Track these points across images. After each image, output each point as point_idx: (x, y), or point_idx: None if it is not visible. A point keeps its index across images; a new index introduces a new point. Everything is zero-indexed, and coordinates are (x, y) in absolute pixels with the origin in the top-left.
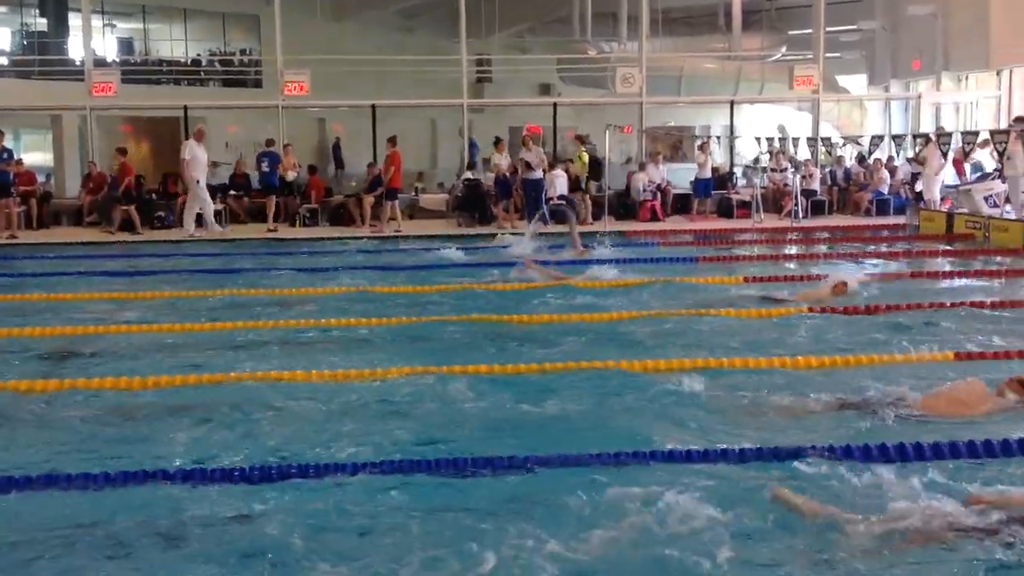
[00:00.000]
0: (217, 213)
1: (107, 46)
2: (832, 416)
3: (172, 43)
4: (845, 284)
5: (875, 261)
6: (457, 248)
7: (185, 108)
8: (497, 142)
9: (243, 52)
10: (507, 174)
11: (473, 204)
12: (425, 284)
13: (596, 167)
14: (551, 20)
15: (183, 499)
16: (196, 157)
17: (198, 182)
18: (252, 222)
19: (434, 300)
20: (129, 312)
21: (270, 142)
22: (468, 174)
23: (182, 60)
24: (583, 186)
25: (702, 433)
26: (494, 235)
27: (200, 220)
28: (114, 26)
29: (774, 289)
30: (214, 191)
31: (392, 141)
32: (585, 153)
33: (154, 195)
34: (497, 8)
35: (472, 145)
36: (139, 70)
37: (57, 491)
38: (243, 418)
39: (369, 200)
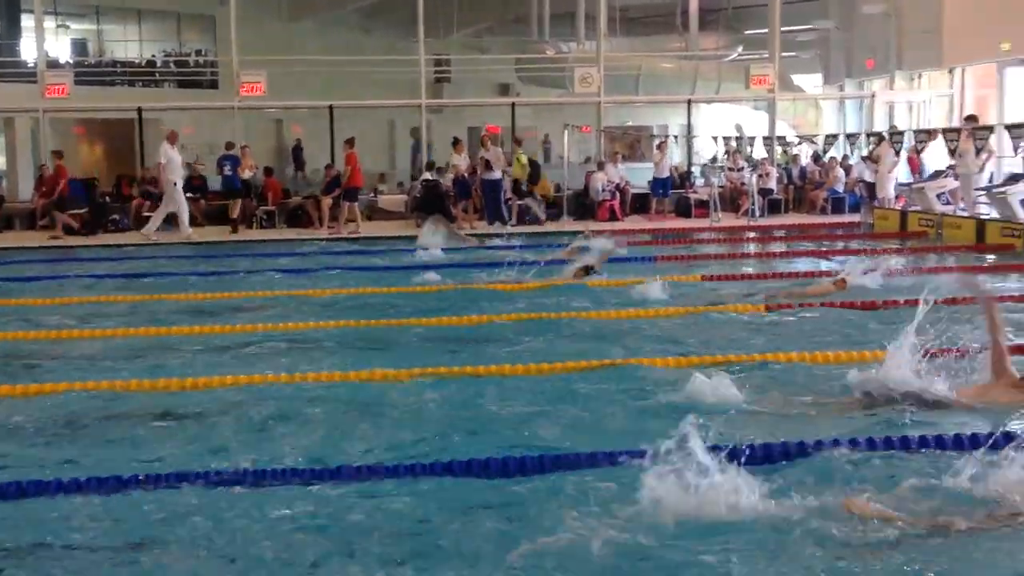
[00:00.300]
0: (173, 215)
1: (60, 47)
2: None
3: (126, 44)
4: (845, 280)
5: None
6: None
7: (139, 110)
8: (456, 143)
9: (198, 53)
10: (466, 175)
11: (432, 205)
12: (386, 286)
13: (535, 170)
14: (509, 20)
15: (147, 504)
16: (172, 159)
17: (175, 185)
18: (209, 225)
19: (395, 302)
20: (85, 317)
21: (230, 145)
22: (427, 175)
23: (136, 61)
24: (524, 189)
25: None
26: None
27: (171, 222)
28: (67, 27)
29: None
30: None
31: (350, 143)
32: (523, 155)
33: (108, 198)
34: (455, 8)
35: (418, 148)
36: (93, 71)
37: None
38: (203, 423)
39: (327, 201)
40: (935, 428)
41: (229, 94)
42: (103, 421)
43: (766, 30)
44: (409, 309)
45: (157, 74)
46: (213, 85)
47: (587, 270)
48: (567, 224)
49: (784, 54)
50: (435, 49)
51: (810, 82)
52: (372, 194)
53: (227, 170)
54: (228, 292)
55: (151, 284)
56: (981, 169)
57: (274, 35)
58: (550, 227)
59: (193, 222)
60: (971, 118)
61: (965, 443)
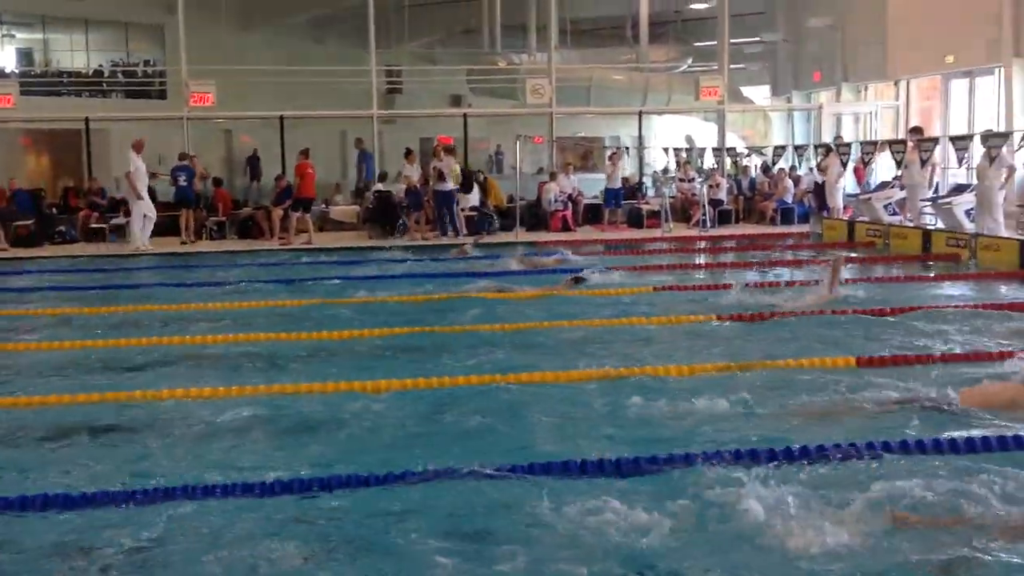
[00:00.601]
0: (120, 227)
1: (6, 57)
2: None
3: (73, 53)
4: (576, 279)
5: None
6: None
7: (87, 120)
8: (408, 153)
9: (147, 63)
10: (418, 185)
11: (384, 216)
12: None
13: (467, 180)
14: (461, 31)
15: (81, 523)
16: (139, 168)
17: (140, 195)
18: (158, 236)
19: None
20: (27, 329)
21: (183, 155)
22: (379, 185)
23: (83, 71)
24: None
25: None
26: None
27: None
28: (13, 36)
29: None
30: (117, 204)
31: (304, 153)
32: (456, 166)
33: (54, 209)
34: (406, 19)
35: (367, 158)
36: (39, 81)
37: None
38: (145, 438)
39: (278, 212)
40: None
41: (178, 104)
42: (19, 437)
43: (715, 42)
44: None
45: (104, 84)
46: (162, 95)
47: (577, 280)
48: (521, 235)
49: (733, 66)
50: (386, 60)
51: (759, 94)
52: (324, 205)
53: (182, 180)
54: (167, 304)
55: (95, 296)
56: (930, 183)
57: (224, 45)
58: (503, 238)
59: None
60: (916, 130)
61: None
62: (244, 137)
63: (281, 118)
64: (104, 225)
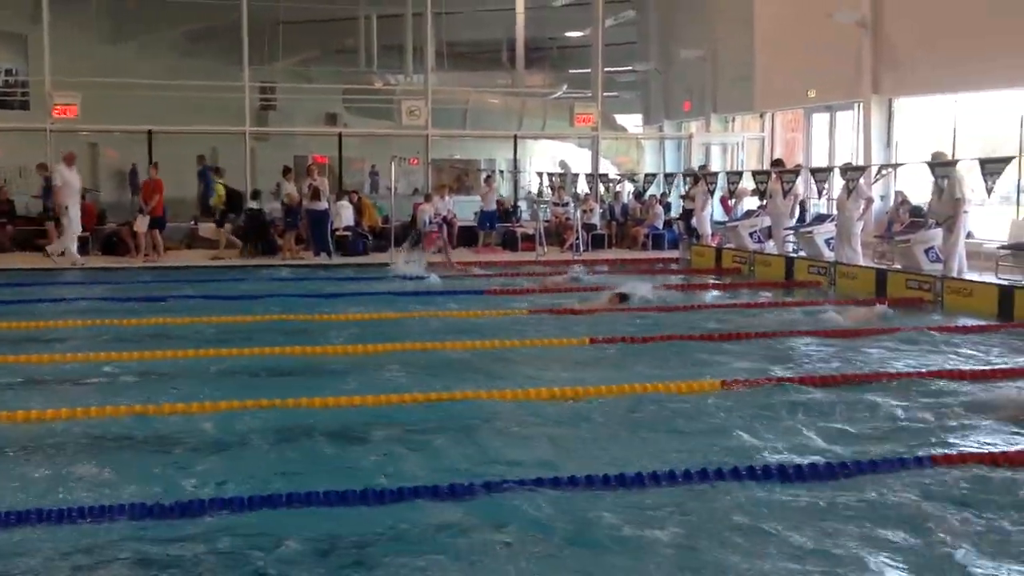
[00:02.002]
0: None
1: None
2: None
3: None
4: (620, 296)
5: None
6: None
7: None
8: (286, 171)
9: (8, 72)
10: (298, 203)
11: (255, 234)
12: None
13: (235, 200)
14: (336, 50)
15: None
16: (67, 182)
17: (67, 209)
18: (18, 251)
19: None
20: None
21: (42, 167)
22: (251, 203)
23: None
24: (218, 219)
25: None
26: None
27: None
28: None
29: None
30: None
31: (156, 167)
32: (221, 186)
33: None
34: (281, 36)
35: (207, 174)
36: None
37: None
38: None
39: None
40: None
41: (41, 116)
42: None
43: (589, 70)
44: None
45: None
46: (24, 106)
47: (622, 297)
48: (395, 255)
49: (607, 94)
50: (261, 76)
51: (631, 122)
52: (192, 222)
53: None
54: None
55: None
56: (792, 212)
57: (92, 56)
58: (376, 258)
59: (2, 249)
60: (777, 162)
61: None
62: (110, 151)
63: (149, 132)
64: None
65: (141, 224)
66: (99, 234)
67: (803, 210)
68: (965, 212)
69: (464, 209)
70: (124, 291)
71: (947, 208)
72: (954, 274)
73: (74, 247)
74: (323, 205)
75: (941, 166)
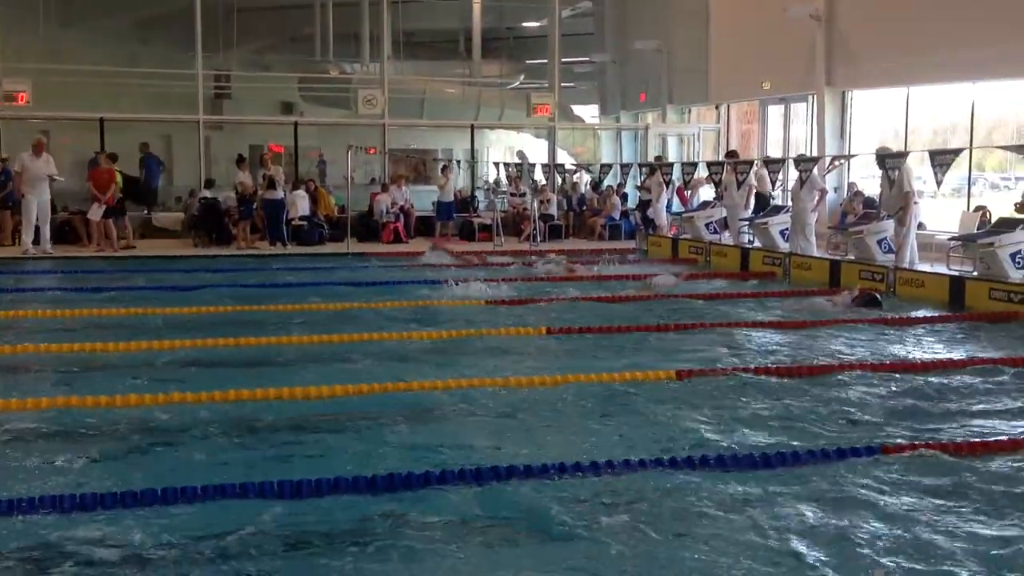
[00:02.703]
0: None
1: None
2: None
3: None
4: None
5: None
6: None
7: None
8: (240, 160)
9: None
10: (251, 193)
11: (210, 223)
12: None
13: (133, 187)
14: (292, 38)
15: None
16: (28, 170)
17: (23, 197)
18: None
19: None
20: None
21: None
22: (205, 192)
23: None
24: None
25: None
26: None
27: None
28: None
29: None
30: None
31: (112, 157)
32: (118, 173)
33: None
34: (235, 23)
35: (150, 162)
36: None
37: None
38: None
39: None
40: None
41: None
42: None
43: (546, 61)
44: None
45: None
46: None
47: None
48: (352, 246)
49: (564, 84)
50: (215, 64)
51: (588, 112)
52: (146, 211)
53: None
54: None
55: None
56: (747, 203)
57: (42, 43)
58: (330, 248)
59: None
60: (731, 154)
61: None
62: (62, 139)
63: (101, 120)
64: None
65: (95, 213)
66: (52, 223)
67: (767, 201)
68: (916, 203)
69: (422, 199)
70: (80, 281)
71: (897, 200)
72: (906, 265)
73: (28, 236)
74: (278, 194)
75: (890, 158)
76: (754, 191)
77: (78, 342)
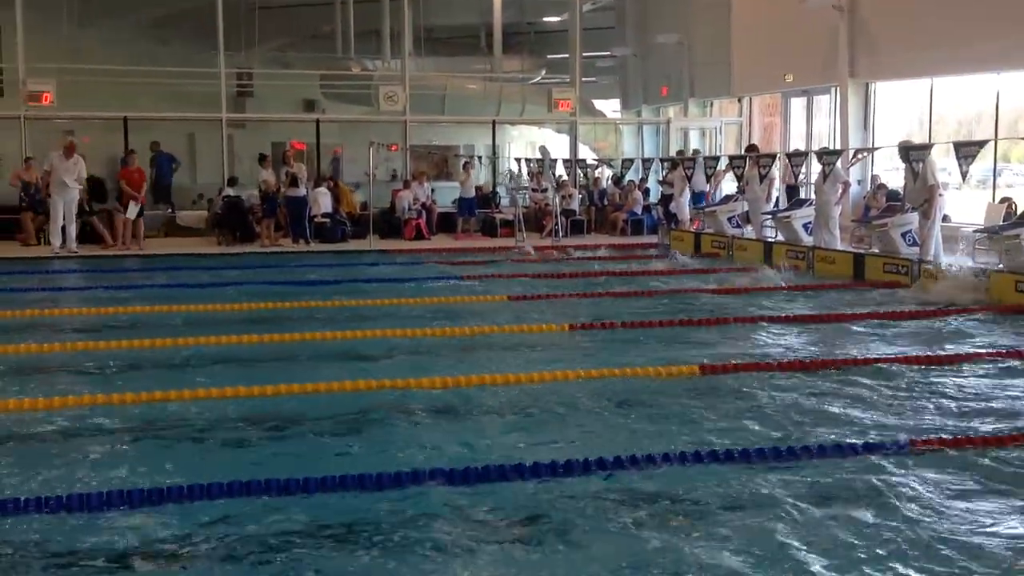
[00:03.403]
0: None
1: None
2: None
3: None
4: None
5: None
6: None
7: None
8: (263, 158)
9: None
10: (274, 191)
11: (233, 221)
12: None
13: (96, 188)
14: (313, 36)
15: None
16: (56, 169)
17: (48, 197)
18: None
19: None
20: None
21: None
22: (228, 191)
23: None
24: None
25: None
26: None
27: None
28: None
29: None
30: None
31: (131, 155)
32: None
33: None
34: (257, 21)
35: (162, 161)
36: None
37: None
38: None
39: (120, 217)
40: None
41: (15, 103)
42: None
43: (567, 55)
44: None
45: None
46: None
47: None
48: (374, 243)
49: (585, 79)
50: (237, 62)
51: (610, 107)
52: (170, 210)
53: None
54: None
55: None
56: (768, 197)
57: (65, 43)
58: (353, 245)
59: None
60: (752, 147)
61: None
62: (85, 139)
63: (125, 119)
64: None
65: (132, 212)
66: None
67: (798, 193)
68: (941, 196)
69: (444, 195)
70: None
71: (922, 193)
72: (930, 258)
73: (55, 238)
74: (301, 192)
75: (914, 150)
76: (776, 184)
77: (104, 340)
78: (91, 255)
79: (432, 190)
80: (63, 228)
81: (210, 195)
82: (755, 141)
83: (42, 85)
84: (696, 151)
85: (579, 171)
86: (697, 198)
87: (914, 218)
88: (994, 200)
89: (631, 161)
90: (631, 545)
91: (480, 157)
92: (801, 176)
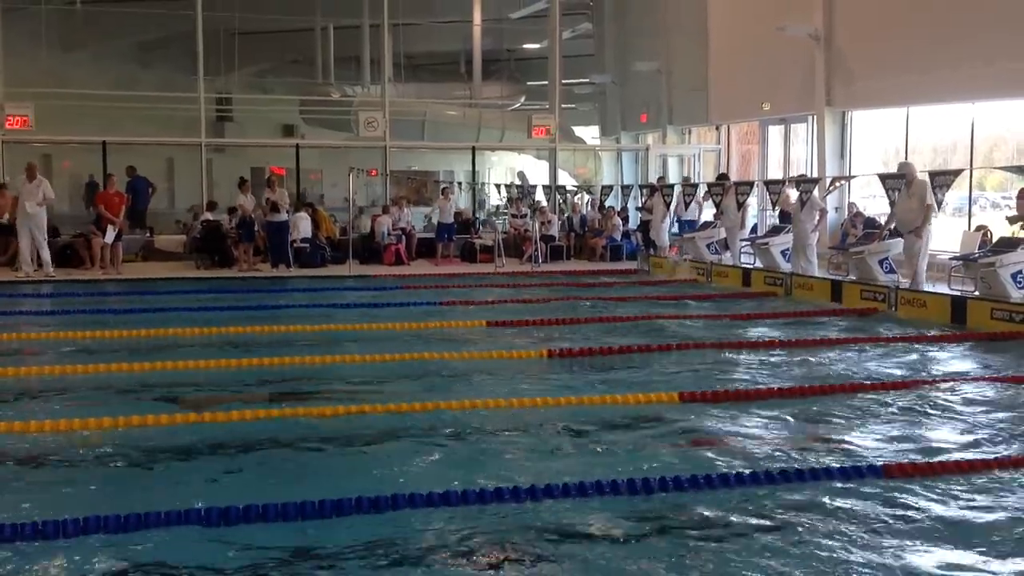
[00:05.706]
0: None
1: None
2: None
3: None
4: None
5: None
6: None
7: None
8: (242, 183)
9: None
10: (251, 215)
11: (212, 246)
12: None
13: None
14: (293, 61)
15: None
16: (22, 193)
17: (13, 222)
18: None
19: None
20: None
21: None
22: (207, 215)
23: None
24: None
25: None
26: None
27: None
28: None
29: None
30: None
31: (110, 179)
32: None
33: None
34: (237, 46)
35: (137, 184)
36: None
37: None
38: None
39: (98, 241)
40: None
41: None
42: None
43: (547, 82)
44: None
45: None
46: None
47: None
48: (354, 268)
49: (564, 106)
50: (216, 87)
51: (589, 133)
52: (148, 234)
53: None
54: None
55: None
56: (742, 223)
57: (44, 66)
58: (333, 271)
59: None
60: (723, 176)
61: None
62: (64, 162)
63: (104, 143)
64: None
65: (110, 236)
66: (53, 246)
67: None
68: (935, 216)
69: (422, 221)
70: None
71: (917, 215)
72: (922, 279)
73: (25, 264)
74: (282, 217)
75: (899, 178)
76: (750, 211)
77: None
78: (65, 279)
79: (411, 215)
80: (38, 253)
81: (188, 220)
82: (733, 168)
83: (20, 109)
84: (686, 178)
85: (558, 197)
86: (682, 226)
87: (893, 244)
88: (970, 228)
89: (610, 187)
90: None
91: (460, 183)
92: (777, 204)
